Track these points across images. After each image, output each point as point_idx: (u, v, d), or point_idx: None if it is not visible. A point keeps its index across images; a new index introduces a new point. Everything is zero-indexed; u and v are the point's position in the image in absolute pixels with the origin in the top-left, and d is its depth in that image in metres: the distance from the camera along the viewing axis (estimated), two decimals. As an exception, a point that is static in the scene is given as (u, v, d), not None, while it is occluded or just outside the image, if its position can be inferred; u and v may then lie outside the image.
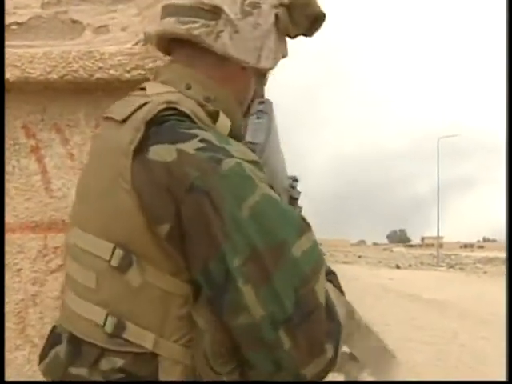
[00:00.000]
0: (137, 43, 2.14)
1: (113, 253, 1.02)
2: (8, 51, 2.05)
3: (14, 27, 2.15)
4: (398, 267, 35.33)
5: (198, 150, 0.98)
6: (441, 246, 58.71)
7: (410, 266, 37.31)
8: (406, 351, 7.88)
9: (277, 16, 1.21)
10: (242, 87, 1.24)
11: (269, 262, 0.94)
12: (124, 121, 1.07)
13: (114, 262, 1.02)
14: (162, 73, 1.22)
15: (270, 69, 1.25)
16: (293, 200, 1.33)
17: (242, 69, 1.21)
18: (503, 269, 31.85)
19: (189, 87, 1.15)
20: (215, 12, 1.15)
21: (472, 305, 13.54)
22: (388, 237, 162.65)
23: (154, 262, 1.01)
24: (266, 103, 1.17)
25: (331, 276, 1.09)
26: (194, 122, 1.06)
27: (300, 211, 1.35)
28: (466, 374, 6.78)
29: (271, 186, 1.03)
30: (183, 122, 1.04)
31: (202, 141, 0.99)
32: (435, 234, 51.69)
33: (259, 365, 0.98)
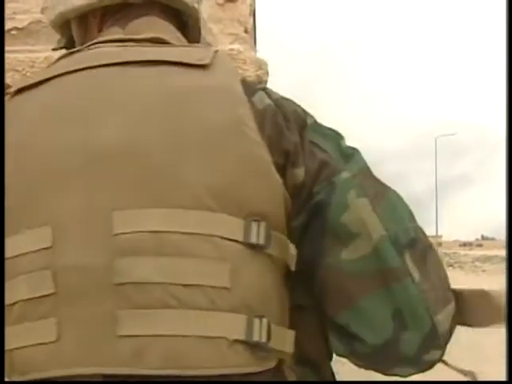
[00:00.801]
0: None
1: (248, 228, 0.75)
2: (8, 56, 2.06)
3: (13, 32, 2.16)
4: (396, 266, 35.38)
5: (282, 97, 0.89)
6: (439, 244, 58.55)
7: (408, 265, 37.36)
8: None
9: None
10: None
11: (378, 181, 0.85)
12: (202, 66, 0.85)
13: (254, 239, 0.75)
14: (145, 29, 0.98)
15: None
16: None
17: None
18: (502, 267, 31.82)
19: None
20: None
21: (471, 303, 13.55)
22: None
23: (284, 229, 0.80)
24: None
25: None
26: None
27: None
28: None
29: None
30: None
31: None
32: (434, 233, 51.64)
33: (376, 321, 0.77)
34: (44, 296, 0.74)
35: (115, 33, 0.98)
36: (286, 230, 0.79)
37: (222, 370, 0.71)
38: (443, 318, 0.79)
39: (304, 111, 0.89)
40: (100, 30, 1.02)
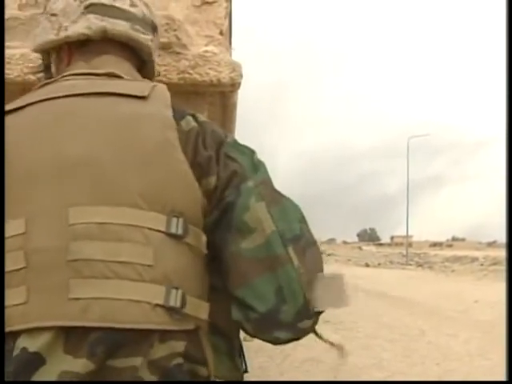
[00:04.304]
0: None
1: (168, 222, 1.04)
2: (-16, 52, 2.07)
3: (-10, 28, 2.17)
4: (367, 266, 35.63)
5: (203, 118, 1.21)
6: (410, 244, 59.14)
7: (379, 264, 37.63)
8: (374, 348, 7.99)
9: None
10: None
11: (276, 191, 1.11)
12: (142, 98, 1.15)
13: (173, 230, 1.04)
14: (104, 65, 1.30)
15: None
16: None
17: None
18: (471, 267, 32.26)
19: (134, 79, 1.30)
20: (154, 29, 1.37)
21: (439, 303, 13.70)
22: (358, 235, 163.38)
23: (200, 224, 1.10)
24: None
25: None
26: None
27: None
28: (432, 369, 6.89)
29: None
30: None
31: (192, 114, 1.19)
32: (405, 233, 52.05)
33: (264, 295, 1.01)
34: (18, 269, 1.02)
35: (81, 67, 1.29)
36: (201, 224, 1.09)
37: (145, 326, 0.99)
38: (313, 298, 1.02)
39: (223, 132, 1.21)
40: (69, 62, 1.33)
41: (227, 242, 1.05)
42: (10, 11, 2.22)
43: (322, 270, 1.05)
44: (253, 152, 1.17)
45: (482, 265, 33.94)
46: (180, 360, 1.01)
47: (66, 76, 1.26)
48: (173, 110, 1.13)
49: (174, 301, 1.01)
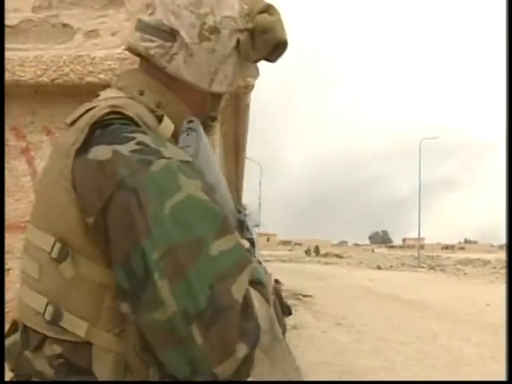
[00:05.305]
0: (126, 48, 2.18)
1: (53, 246, 1.10)
2: (-2, 54, 2.08)
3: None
4: (379, 268, 35.52)
5: (132, 151, 1.03)
6: (422, 247, 59.01)
7: (391, 267, 37.52)
8: (385, 351, 7.97)
9: (238, 41, 1.27)
10: (193, 103, 1.29)
11: (185, 257, 0.97)
12: (72, 124, 1.16)
13: (54, 254, 1.09)
14: (120, 79, 1.31)
15: (224, 92, 1.33)
16: (241, 223, 1.38)
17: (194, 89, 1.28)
18: (484, 270, 32.11)
19: (141, 93, 1.22)
20: (172, 34, 1.23)
21: (451, 306, 13.66)
22: (370, 238, 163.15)
23: (89, 254, 1.08)
24: (194, 121, 1.21)
25: (259, 286, 1.09)
26: (138, 126, 1.11)
27: (251, 237, 1.38)
28: (444, 373, 6.86)
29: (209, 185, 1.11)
30: (128, 125, 1.10)
31: (138, 143, 1.04)
32: (416, 236, 51.88)
33: (174, 365, 0.98)
34: None
35: None
36: (92, 253, 1.07)
37: (34, 327, 1.12)
38: (224, 367, 0.95)
39: (152, 161, 1.04)
40: None
41: (136, 309, 1.00)
42: (22, 13, 2.23)
43: (231, 340, 0.97)
44: (176, 191, 1.02)
45: (494, 268, 33.79)
46: (61, 361, 1.09)
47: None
48: (90, 136, 1.08)
49: (49, 314, 1.09)
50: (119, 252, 1.01)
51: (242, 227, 1.39)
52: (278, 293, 1.75)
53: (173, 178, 1.02)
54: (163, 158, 1.03)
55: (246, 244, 1.23)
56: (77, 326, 1.09)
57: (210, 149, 1.30)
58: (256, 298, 1.05)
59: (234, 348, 0.96)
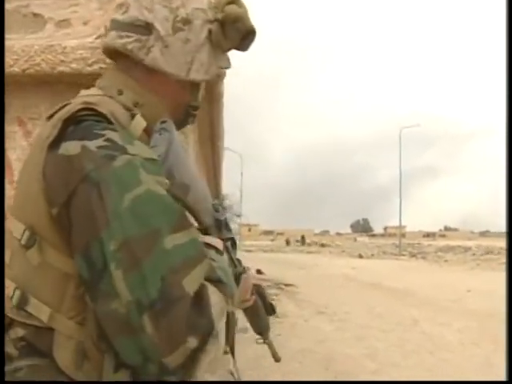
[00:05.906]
0: (98, 37, 2.16)
1: (23, 233, 1.14)
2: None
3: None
4: (360, 256, 35.76)
5: (99, 147, 1.07)
6: (403, 235, 59.38)
7: (372, 255, 37.79)
8: (367, 338, 8.03)
9: (210, 31, 1.33)
10: (173, 95, 1.36)
11: (140, 249, 1.00)
12: (50, 118, 1.20)
13: (23, 241, 1.13)
14: (102, 79, 1.35)
15: (201, 81, 1.38)
16: (218, 222, 1.39)
17: (173, 79, 1.33)
18: (464, 257, 32.40)
19: (120, 93, 1.29)
20: (147, 28, 1.30)
21: (432, 293, 13.78)
22: (351, 226, 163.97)
23: (54, 244, 1.11)
24: (168, 122, 1.25)
25: (220, 284, 1.11)
26: (110, 123, 1.15)
27: (230, 236, 1.41)
28: (425, 358, 6.93)
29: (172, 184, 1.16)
30: (100, 122, 1.14)
31: (106, 140, 1.08)
32: (398, 224, 52.22)
33: (127, 354, 1.01)
34: None
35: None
36: (58, 242, 1.11)
37: (5, 310, 1.15)
38: (173, 358, 0.99)
39: (114, 155, 1.08)
40: None
41: (93, 298, 1.04)
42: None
43: (180, 332, 1.00)
44: (136, 185, 1.05)
45: (474, 254, 34.14)
46: (24, 343, 1.13)
47: None
48: (63, 130, 1.12)
49: (15, 299, 1.13)
50: (80, 242, 1.04)
51: (220, 226, 1.39)
52: (261, 293, 1.75)
53: (134, 173, 1.06)
54: (127, 154, 1.07)
55: (213, 240, 1.26)
56: (40, 311, 1.12)
57: (182, 149, 1.34)
58: (215, 294, 1.07)
59: (183, 339, 0.99)
